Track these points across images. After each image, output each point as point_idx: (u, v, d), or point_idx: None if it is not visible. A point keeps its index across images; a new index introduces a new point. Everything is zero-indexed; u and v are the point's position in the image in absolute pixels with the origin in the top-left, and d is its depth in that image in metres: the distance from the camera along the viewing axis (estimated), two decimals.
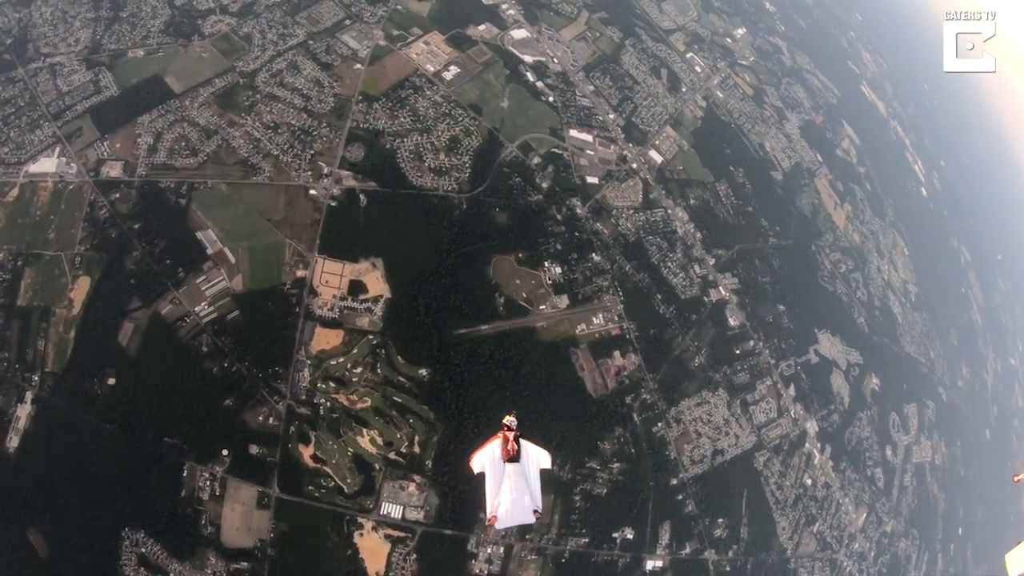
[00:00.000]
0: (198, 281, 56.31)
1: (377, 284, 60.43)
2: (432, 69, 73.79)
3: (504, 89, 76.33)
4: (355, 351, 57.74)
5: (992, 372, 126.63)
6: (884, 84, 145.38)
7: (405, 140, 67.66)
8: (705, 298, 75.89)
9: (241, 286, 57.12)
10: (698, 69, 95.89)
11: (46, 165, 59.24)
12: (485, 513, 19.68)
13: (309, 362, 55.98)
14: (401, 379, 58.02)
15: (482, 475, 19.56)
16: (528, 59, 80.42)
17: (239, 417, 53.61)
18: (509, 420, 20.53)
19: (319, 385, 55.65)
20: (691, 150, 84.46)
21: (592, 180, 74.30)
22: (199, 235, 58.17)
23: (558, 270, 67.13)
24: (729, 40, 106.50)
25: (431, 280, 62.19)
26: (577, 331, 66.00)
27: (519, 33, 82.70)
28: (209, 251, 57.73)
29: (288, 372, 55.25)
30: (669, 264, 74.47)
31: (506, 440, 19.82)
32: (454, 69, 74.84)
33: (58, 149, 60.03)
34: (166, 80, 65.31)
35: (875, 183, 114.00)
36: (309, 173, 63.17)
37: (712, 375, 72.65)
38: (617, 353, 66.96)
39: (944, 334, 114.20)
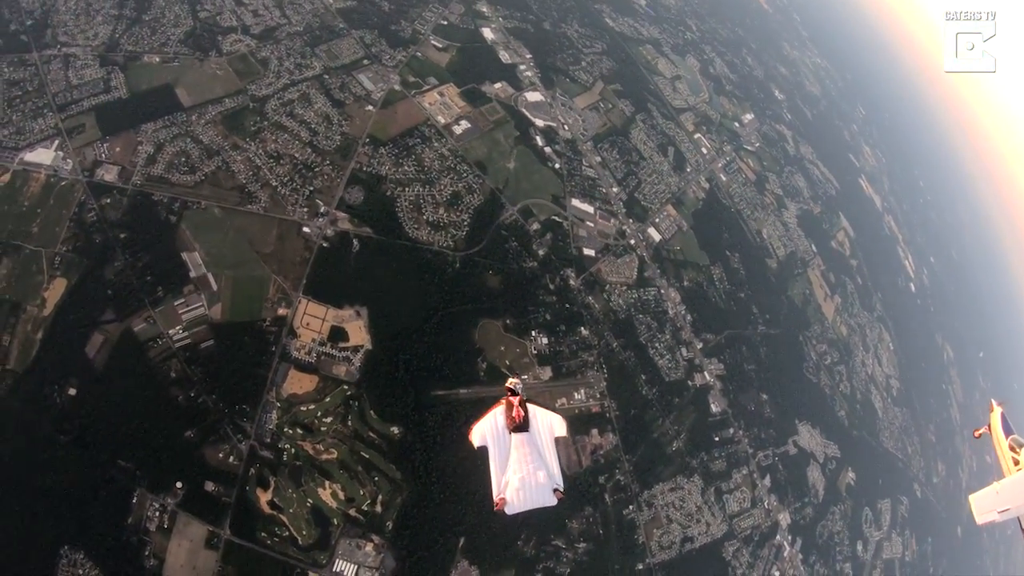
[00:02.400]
0: (176, 303, 54.49)
1: (359, 333, 58.81)
2: (443, 121, 73.62)
3: (512, 150, 76.23)
4: (328, 400, 55.76)
5: (967, 470, 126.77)
6: (882, 178, 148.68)
7: (407, 189, 66.92)
8: (689, 382, 74.94)
9: (220, 315, 55.27)
10: (704, 150, 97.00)
11: (42, 156, 57.86)
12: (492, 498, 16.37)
13: (279, 405, 53.88)
14: (372, 435, 55.95)
15: (484, 450, 16.71)
16: (539, 123, 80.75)
17: (199, 451, 51.19)
18: (513, 383, 17.72)
19: (286, 430, 53.43)
20: (690, 231, 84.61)
21: (589, 252, 73.84)
22: (184, 256, 56.54)
23: (544, 340, 66.00)
24: (737, 124, 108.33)
25: (415, 336, 60.63)
26: (557, 405, 64.39)
27: (533, 96, 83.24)
28: (192, 274, 56.02)
29: (255, 412, 53.09)
30: (657, 345, 73.62)
31: (510, 406, 17.00)
32: (465, 124, 74.72)
33: (57, 142, 58.72)
34: (176, 91, 64.60)
35: (866, 276, 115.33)
36: (305, 210, 62.00)
37: (689, 461, 71.24)
38: (595, 431, 65.56)
39: (923, 430, 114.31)
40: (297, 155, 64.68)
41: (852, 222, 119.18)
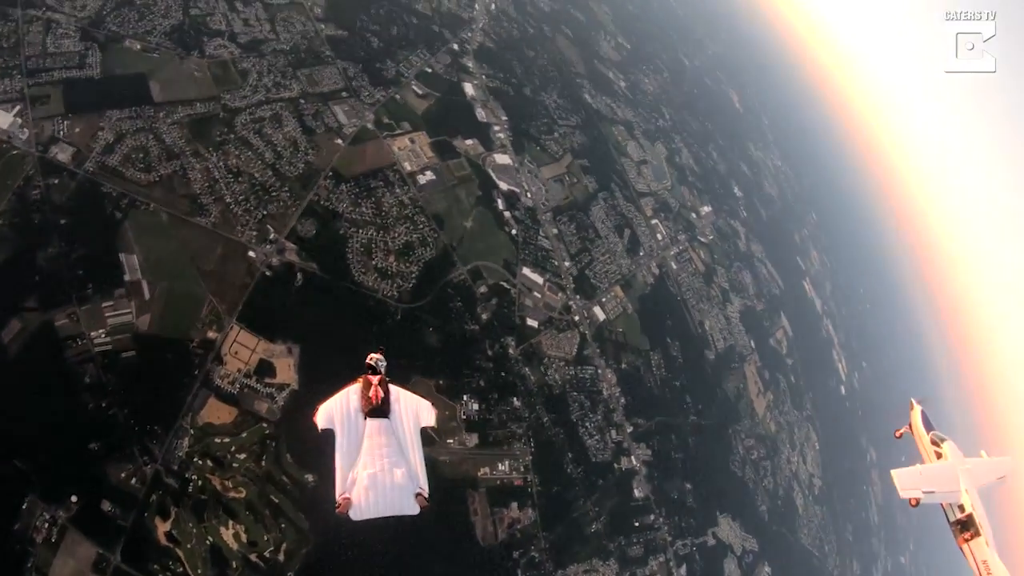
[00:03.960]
0: (104, 305, 51.71)
1: (287, 371, 56.74)
2: (409, 168, 73.29)
3: (472, 209, 76.48)
4: (244, 435, 53.32)
5: (881, 569, 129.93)
6: (825, 283, 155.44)
7: (360, 231, 66.05)
8: (616, 464, 74.85)
9: (147, 326, 52.61)
10: (659, 237, 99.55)
11: (0, 119, 55.13)
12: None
13: (192, 432, 51.21)
14: (285, 479, 53.48)
15: (330, 433, 13.68)
16: (503, 186, 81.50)
17: (101, 466, 47.96)
18: (374, 357, 14.97)
19: (196, 460, 50.69)
20: (634, 314, 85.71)
21: (532, 323, 74.01)
22: (122, 257, 54.07)
23: (475, 406, 65.23)
24: (694, 215, 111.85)
25: (343, 383, 58.97)
26: (479, 474, 63.41)
27: (502, 158, 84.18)
28: (127, 277, 53.43)
29: (167, 435, 50.21)
30: (587, 424, 73.55)
31: (368, 384, 14.20)
32: (430, 175, 74.50)
33: (18, 108, 56.21)
34: (150, 84, 62.87)
35: (800, 376, 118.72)
36: (255, 233, 60.38)
37: (606, 544, 70.52)
38: (515, 504, 64.42)
39: (841, 529, 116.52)
40: (257, 175, 63.28)
41: (792, 322, 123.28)
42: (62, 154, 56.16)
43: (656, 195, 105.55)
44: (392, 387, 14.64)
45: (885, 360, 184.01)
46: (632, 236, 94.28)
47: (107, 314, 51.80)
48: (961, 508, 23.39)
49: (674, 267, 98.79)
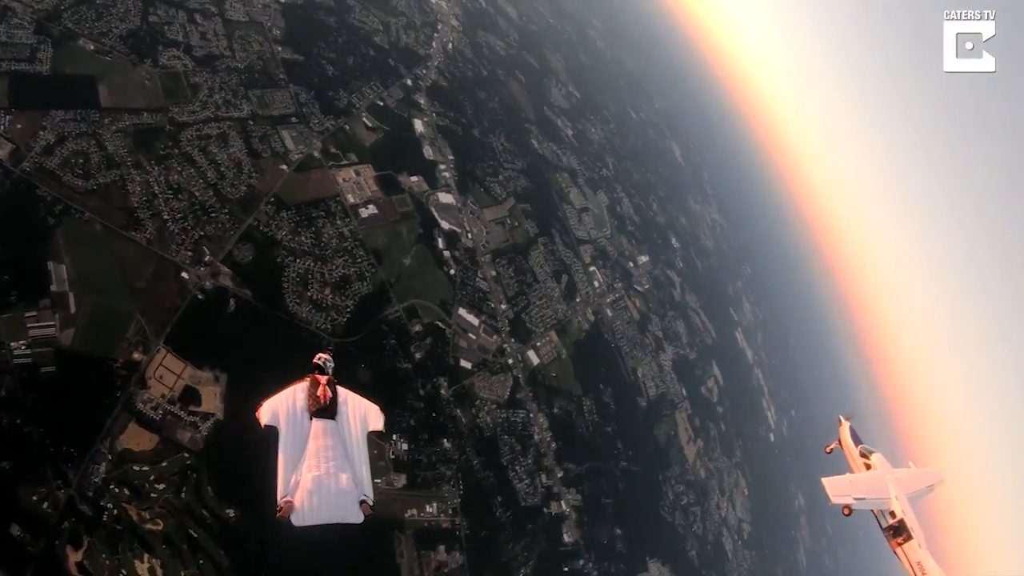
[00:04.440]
0: (27, 315, 48.64)
1: (213, 400, 54.61)
2: (352, 200, 72.61)
3: (412, 247, 76.27)
4: (164, 465, 50.79)
5: None
6: (756, 333, 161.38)
7: (298, 261, 64.89)
8: (545, 509, 74.79)
9: (70, 342, 49.77)
10: (596, 284, 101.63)
11: None
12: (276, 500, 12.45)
13: (110, 457, 48.42)
14: (205, 513, 51.22)
15: (273, 432, 13.32)
16: (445, 225, 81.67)
17: (11, 487, 44.85)
18: (322, 357, 14.87)
19: (112, 487, 47.90)
20: (568, 359, 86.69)
21: (466, 364, 73.91)
22: (51, 265, 51.32)
23: (405, 447, 64.41)
24: (632, 264, 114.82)
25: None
26: (406, 515, 62.34)
27: (446, 198, 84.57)
28: (53, 288, 50.58)
29: (83, 460, 47.39)
30: (518, 468, 73.46)
31: (316, 383, 14.02)
32: (372, 209, 73.99)
33: None
34: (99, 87, 60.74)
35: (730, 424, 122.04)
36: (190, 254, 58.38)
37: None
38: (443, 548, 63.41)
39: (770, 572, 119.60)
40: (198, 194, 61.50)
41: (723, 371, 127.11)
42: (0, 151, 53.96)
43: (595, 243, 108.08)
44: (340, 388, 14.39)
45: (815, 408, 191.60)
46: (570, 282, 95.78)
47: (29, 325, 49.03)
48: (892, 514, 24.63)
49: (610, 314, 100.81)
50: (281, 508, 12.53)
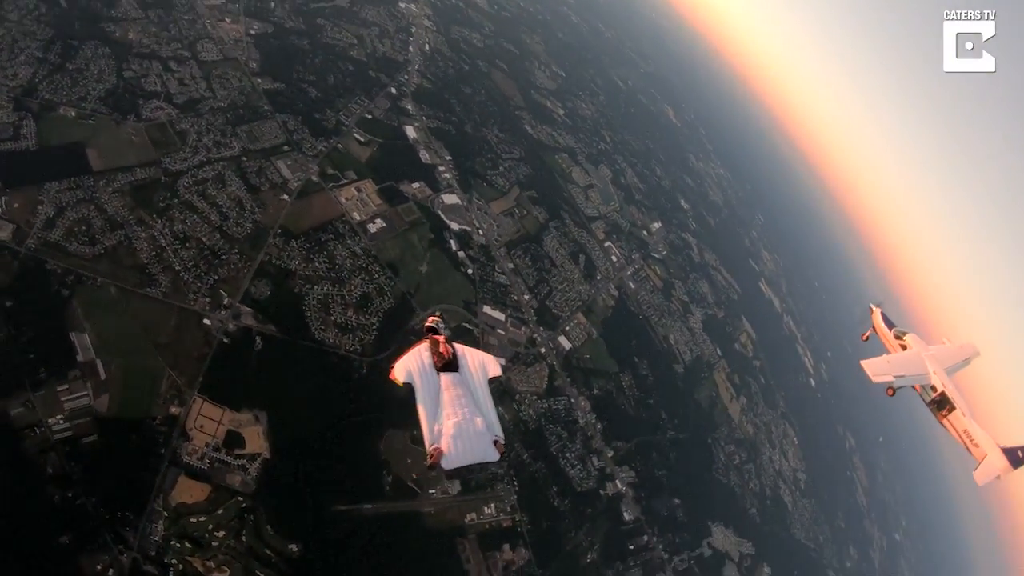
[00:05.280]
0: (59, 389, 48.82)
1: (257, 440, 54.65)
2: (358, 218, 72.34)
3: (425, 253, 75.76)
4: (220, 512, 50.95)
5: (878, 549, 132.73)
6: (780, 281, 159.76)
7: (315, 287, 64.62)
8: (601, 491, 74.64)
9: (106, 408, 49.81)
10: (614, 258, 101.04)
11: None
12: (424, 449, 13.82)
13: (166, 514, 48.60)
14: (268, 552, 51.32)
15: (410, 388, 14.74)
16: (454, 226, 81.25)
17: (74, 560, 44.91)
18: (434, 321, 16.31)
19: (173, 543, 48.11)
20: (599, 339, 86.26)
21: (500, 361, 73.55)
22: (73, 336, 51.34)
23: None
24: (645, 233, 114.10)
25: (316, 446, 57.13)
26: (466, 520, 62.19)
27: (450, 198, 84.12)
28: (80, 358, 50.69)
29: (140, 521, 47.54)
30: (568, 455, 73.22)
31: (435, 343, 15.36)
32: (380, 223, 73.63)
33: None
34: (87, 152, 60.70)
35: (768, 376, 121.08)
36: (208, 300, 58.39)
37: (604, 571, 70.23)
38: (507, 546, 63.38)
39: (832, 518, 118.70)
40: (205, 239, 61.40)
41: (754, 324, 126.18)
42: (2, 232, 53.79)
43: (606, 217, 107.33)
44: (456, 344, 15.53)
45: (848, 346, 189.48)
46: (587, 261, 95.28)
47: (63, 398, 49.14)
48: (933, 388, 25.33)
49: (632, 286, 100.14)
50: (431, 455, 13.97)
